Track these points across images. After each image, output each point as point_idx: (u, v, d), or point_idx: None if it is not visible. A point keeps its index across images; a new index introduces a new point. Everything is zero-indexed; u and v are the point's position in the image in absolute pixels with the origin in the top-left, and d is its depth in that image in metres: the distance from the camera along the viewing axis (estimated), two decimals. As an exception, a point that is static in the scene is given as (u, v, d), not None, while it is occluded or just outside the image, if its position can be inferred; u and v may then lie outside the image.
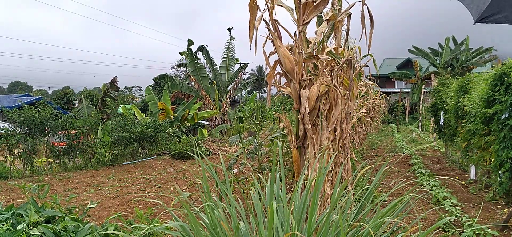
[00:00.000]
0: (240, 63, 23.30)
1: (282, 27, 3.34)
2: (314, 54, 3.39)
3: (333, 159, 3.77)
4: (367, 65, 4.85)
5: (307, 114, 3.30)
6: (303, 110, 3.31)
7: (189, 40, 20.41)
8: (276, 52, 3.34)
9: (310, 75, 3.45)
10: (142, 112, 15.80)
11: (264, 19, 3.25)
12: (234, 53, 22.98)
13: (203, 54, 21.78)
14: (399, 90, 31.43)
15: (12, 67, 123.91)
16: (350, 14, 3.55)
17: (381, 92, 16.21)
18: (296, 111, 3.39)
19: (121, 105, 17.56)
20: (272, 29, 3.29)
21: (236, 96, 31.09)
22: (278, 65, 3.45)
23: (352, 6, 3.44)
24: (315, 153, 3.36)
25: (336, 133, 3.96)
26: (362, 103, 9.98)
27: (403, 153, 10.60)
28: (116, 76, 16.37)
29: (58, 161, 9.57)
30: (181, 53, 22.65)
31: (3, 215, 2.56)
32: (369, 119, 12.31)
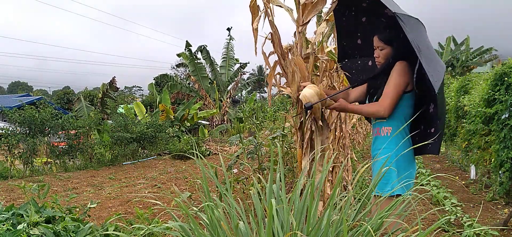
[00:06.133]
0: (240, 63, 23.33)
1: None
2: (314, 54, 3.39)
3: (333, 159, 3.77)
4: (367, 65, 4.84)
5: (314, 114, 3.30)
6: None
7: (187, 42, 20.46)
8: (275, 52, 3.34)
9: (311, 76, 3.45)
10: (145, 110, 15.79)
11: (269, 20, 3.25)
12: (234, 53, 23.02)
13: (202, 54, 21.80)
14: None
15: (14, 67, 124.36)
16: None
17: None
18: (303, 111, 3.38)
19: (122, 105, 17.59)
20: (271, 29, 3.29)
21: (236, 96, 31.09)
22: (278, 65, 3.45)
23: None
24: (316, 152, 3.36)
25: (336, 133, 3.96)
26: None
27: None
28: (114, 77, 16.37)
29: (58, 161, 9.57)
30: (178, 55, 22.70)
31: (3, 215, 2.56)
32: (369, 119, 12.28)
